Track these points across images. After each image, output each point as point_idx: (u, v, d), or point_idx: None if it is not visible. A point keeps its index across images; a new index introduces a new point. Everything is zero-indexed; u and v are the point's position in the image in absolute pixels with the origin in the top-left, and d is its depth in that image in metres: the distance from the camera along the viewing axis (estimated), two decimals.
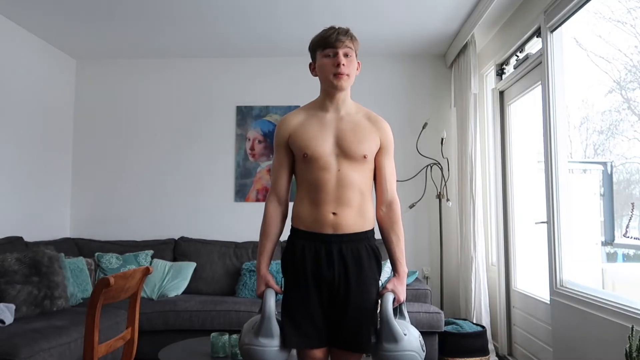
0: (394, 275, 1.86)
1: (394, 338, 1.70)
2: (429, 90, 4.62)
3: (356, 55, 1.86)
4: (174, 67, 4.74)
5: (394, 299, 1.78)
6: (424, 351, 1.75)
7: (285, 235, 1.93)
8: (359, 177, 1.81)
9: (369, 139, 1.83)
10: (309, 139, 1.81)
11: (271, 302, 1.76)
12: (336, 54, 1.79)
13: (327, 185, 1.78)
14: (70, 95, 4.71)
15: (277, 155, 1.91)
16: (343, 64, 1.79)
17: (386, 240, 1.90)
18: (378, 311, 1.82)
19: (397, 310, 1.82)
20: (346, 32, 1.82)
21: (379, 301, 1.83)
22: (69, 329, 2.76)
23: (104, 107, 4.74)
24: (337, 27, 1.82)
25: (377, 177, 1.90)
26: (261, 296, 1.81)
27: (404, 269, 1.86)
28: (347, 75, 1.80)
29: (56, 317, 2.97)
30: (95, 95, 4.75)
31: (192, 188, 4.64)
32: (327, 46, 1.80)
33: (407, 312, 1.89)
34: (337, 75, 1.79)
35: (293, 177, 1.94)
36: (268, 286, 1.82)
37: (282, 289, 1.86)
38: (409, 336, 1.72)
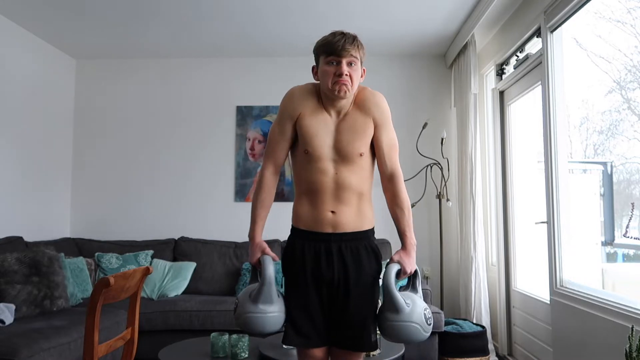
0: (402, 247, 1.82)
1: (395, 308, 1.68)
2: (429, 90, 4.62)
3: (361, 63, 1.81)
4: (173, 67, 4.74)
5: (400, 270, 1.76)
6: (429, 324, 1.72)
7: (285, 235, 1.92)
8: (357, 179, 1.80)
9: (365, 132, 1.80)
10: (312, 137, 1.79)
11: (270, 268, 1.74)
12: (339, 63, 1.74)
13: (325, 187, 1.78)
14: (70, 95, 4.71)
15: (281, 124, 1.84)
16: (346, 74, 1.73)
17: (392, 214, 1.86)
18: (378, 310, 1.82)
19: (409, 283, 1.81)
20: (353, 41, 1.76)
21: (379, 302, 1.83)
22: (69, 329, 2.76)
23: (104, 107, 4.74)
24: (344, 34, 1.76)
25: (376, 152, 1.86)
26: (256, 264, 1.80)
27: (410, 241, 1.81)
28: (349, 85, 1.75)
29: (56, 317, 2.97)
30: (95, 95, 4.75)
31: (192, 188, 4.64)
32: (331, 53, 1.75)
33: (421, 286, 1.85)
34: (338, 84, 1.74)
35: (289, 172, 1.92)
36: (264, 253, 1.79)
37: (283, 288, 1.85)
38: (414, 307, 1.70)
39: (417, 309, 1.71)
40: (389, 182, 1.86)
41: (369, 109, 1.83)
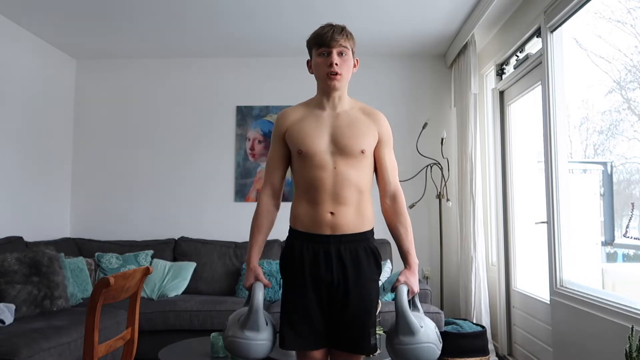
0: (405, 267, 1.84)
1: (410, 331, 1.67)
2: (429, 90, 4.62)
3: (353, 53, 1.84)
4: (173, 67, 4.74)
5: (408, 290, 1.76)
6: (440, 342, 1.73)
7: (283, 236, 1.92)
8: (356, 175, 1.79)
9: (367, 133, 1.82)
10: (304, 136, 1.80)
11: (259, 296, 1.74)
12: (330, 54, 1.78)
13: (324, 183, 1.77)
14: (70, 95, 4.71)
15: (274, 147, 1.90)
16: (336, 64, 1.77)
17: (394, 233, 1.88)
18: (377, 312, 1.81)
19: (411, 303, 1.80)
20: (341, 31, 1.79)
21: (379, 302, 1.82)
22: (69, 329, 2.76)
23: (104, 107, 4.74)
24: (333, 25, 1.81)
25: (378, 170, 1.88)
26: (249, 289, 1.80)
27: (414, 260, 1.83)
28: (340, 75, 1.79)
29: (56, 317, 2.97)
30: (95, 95, 4.75)
31: (192, 188, 4.64)
32: (321, 45, 1.79)
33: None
34: (330, 75, 1.78)
35: (288, 173, 1.93)
36: (257, 279, 1.81)
37: (282, 290, 1.85)
38: (426, 328, 1.70)
39: (428, 330, 1.71)
40: (392, 201, 1.87)
41: (376, 120, 1.87)
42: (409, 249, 1.84)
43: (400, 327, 1.69)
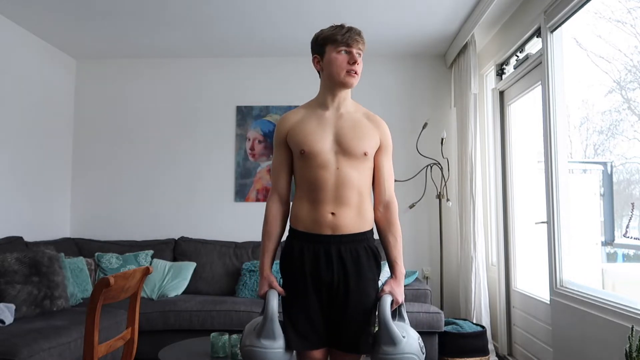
0: (391, 276, 1.84)
1: (392, 341, 1.68)
2: (429, 90, 4.62)
3: None
4: (174, 67, 4.74)
5: (392, 301, 1.76)
6: (423, 353, 1.73)
7: (284, 236, 1.92)
8: (358, 176, 1.79)
9: (369, 136, 1.82)
10: (306, 135, 1.80)
11: (274, 304, 1.75)
12: (350, 52, 1.79)
13: (326, 184, 1.77)
14: (70, 95, 4.71)
15: (277, 153, 1.90)
16: (358, 63, 1.79)
17: (383, 241, 1.88)
18: (376, 313, 1.82)
19: (397, 313, 1.80)
20: (360, 33, 1.82)
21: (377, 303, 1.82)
22: (69, 329, 2.76)
23: (104, 107, 4.74)
24: (350, 26, 1.82)
25: (375, 176, 1.88)
26: (263, 297, 1.80)
27: (401, 270, 1.84)
28: (358, 74, 1.81)
29: (56, 317, 2.97)
30: (95, 95, 4.75)
31: (192, 188, 4.64)
32: (341, 43, 1.79)
33: (407, 313, 1.87)
34: (351, 72, 1.79)
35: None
36: (271, 287, 1.81)
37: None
38: (408, 339, 1.70)
39: (411, 340, 1.71)
40: (385, 209, 1.88)
41: (379, 126, 1.88)
42: (397, 259, 1.84)
43: (383, 337, 1.69)
